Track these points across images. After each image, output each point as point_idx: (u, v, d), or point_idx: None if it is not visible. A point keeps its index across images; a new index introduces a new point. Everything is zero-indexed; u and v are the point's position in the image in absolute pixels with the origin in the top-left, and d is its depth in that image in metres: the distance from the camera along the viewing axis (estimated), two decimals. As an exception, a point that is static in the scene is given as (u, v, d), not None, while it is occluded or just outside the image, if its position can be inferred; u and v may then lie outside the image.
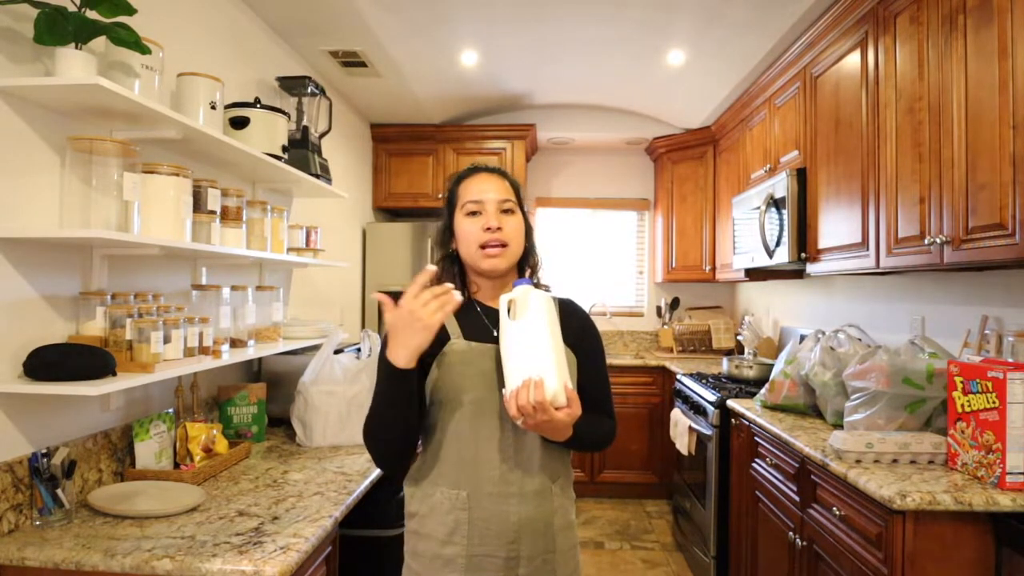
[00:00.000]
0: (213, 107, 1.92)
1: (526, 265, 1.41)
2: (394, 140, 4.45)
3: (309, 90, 2.75)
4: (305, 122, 2.74)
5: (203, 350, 1.79)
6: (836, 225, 2.57)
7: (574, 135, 4.75)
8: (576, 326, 1.39)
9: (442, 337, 1.31)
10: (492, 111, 4.57)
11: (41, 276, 1.55)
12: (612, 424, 1.42)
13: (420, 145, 4.45)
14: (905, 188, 2.10)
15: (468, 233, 1.32)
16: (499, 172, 1.39)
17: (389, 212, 4.68)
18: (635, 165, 5.14)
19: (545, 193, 5.16)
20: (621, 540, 3.71)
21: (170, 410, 1.94)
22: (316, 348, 2.43)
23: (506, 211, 1.34)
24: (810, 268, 2.82)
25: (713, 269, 4.41)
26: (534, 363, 1.17)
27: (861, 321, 2.91)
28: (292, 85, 2.77)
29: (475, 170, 1.39)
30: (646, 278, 5.19)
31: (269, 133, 2.24)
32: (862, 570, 1.71)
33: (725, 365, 3.53)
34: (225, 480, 1.82)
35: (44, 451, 1.46)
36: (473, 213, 1.33)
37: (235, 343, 2.08)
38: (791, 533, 2.17)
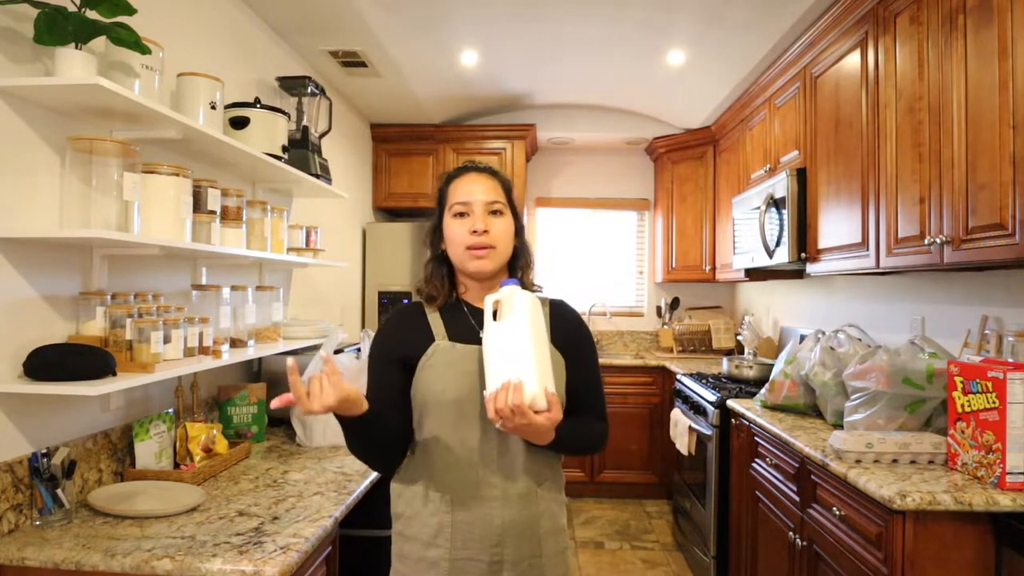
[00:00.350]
0: (213, 107, 1.92)
1: (517, 265, 1.38)
2: (394, 140, 4.45)
3: (309, 90, 2.75)
4: (305, 122, 2.74)
5: (203, 350, 1.79)
6: (836, 225, 2.57)
7: (574, 135, 4.75)
8: (566, 328, 1.37)
9: (428, 338, 1.31)
10: (492, 111, 4.57)
11: (41, 276, 1.55)
12: (604, 427, 1.39)
13: (420, 145, 4.45)
14: (905, 188, 2.10)
15: (455, 235, 1.30)
16: (489, 171, 1.36)
17: (389, 212, 4.67)
18: (635, 165, 5.14)
19: (545, 193, 5.16)
20: (621, 540, 3.70)
21: (170, 410, 1.94)
22: (316, 348, 2.44)
23: (494, 212, 1.31)
24: (810, 268, 2.82)
25: (713, 269, 4.40)
26: (514, 365, 1.14)
27: (861, 321, 2.91)
28: (292, 85, 2.77)
29: (465, 170, 1.36)
30: (646, 278, 5.19)
31: (269, 133, 2.24)
32: (862, 570, 1.71)
33: (725, 365, 3.53)
34: (225, 480, 1.82)
35: (44, 451, 1.46)
36: (461, 214, 1.30)
37: (235, 343, 2.08)
38: (791, 533, 2.17)
